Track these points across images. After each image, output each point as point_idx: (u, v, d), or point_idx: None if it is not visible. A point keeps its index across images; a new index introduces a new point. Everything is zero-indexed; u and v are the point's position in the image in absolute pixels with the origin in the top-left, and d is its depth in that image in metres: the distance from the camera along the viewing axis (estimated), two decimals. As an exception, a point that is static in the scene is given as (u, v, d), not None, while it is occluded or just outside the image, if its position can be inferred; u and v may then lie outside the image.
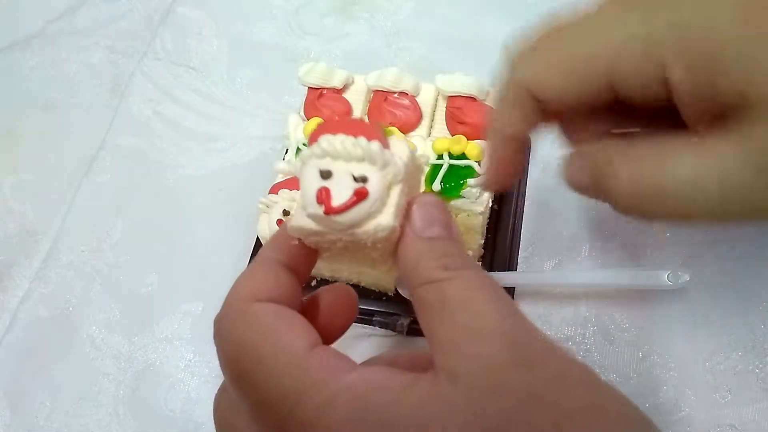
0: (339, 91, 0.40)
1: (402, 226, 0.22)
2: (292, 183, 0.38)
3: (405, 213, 0.22)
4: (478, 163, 0.36)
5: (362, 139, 0.22)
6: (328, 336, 0.24)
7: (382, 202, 0.21)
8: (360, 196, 0.21)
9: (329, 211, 0.21)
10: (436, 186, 0.36)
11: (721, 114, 0.20)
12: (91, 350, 0.40)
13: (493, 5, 0.50)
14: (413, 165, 0.23)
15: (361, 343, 0.37)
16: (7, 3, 0.56)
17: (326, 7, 0.52)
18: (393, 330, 0.37)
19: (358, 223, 0.21)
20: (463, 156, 0.36)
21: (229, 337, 0.22)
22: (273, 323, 0.21)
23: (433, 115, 0.39)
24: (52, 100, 0.50)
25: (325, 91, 0.40)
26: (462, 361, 0.18)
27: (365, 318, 0.36)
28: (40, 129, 0.49)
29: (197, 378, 0.38)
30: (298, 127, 0.39)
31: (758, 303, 0.36)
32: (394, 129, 0.22)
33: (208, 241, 0.43)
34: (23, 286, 0.43)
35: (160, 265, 0.42)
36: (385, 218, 0.21)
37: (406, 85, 0.39)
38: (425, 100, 0.39)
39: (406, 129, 0.39)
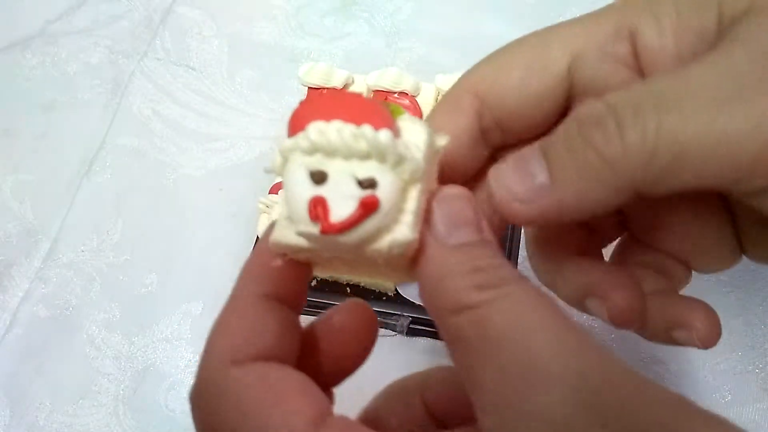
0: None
1: (421, 233, 0.17)
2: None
3: (425, 215, 0.17)
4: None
5: (367, 128, 0.16)
6: (340, 371, 0.19)
7: (398, 210, 0.16)
8: (368, 208, 0.16)
9: (328, 230, 0.15)
10: (436, 186, 0.36)
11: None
12: (91, 350, 0.40)
13: (494, 5, 0.50)
14: (432, 153, 0.17)
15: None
16: (7, 3, 0.56)
17: (326, 7, 0.52)
18: (393, 330, 0.37)
19: (366, 241, 0.16)
20: (463, 156, 0.36)
21: (205, 420, 0.16)
22: (258, 397, 0.15)
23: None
24: (52, 100, 0.50)
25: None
26: (519, 427, 0.14)
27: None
28: (40, 129, 0.49)
29: (197, 378, 0.39)
30: (298, 127, 0.39)
31: (758, 303, 0.35)
32: (400, 108, 0.18)
33: (208, 240, 0.43)
34: (23, 286, 0.43)
35: (160, 265, 0.42)
36: (402, 231, 0.16)
37: (406, 85, 0.39)
38: (425, 100, 0.39)
39: (406, 129, 0.39)
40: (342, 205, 0.16)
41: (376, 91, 0.39)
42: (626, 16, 0.17)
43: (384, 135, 0.16)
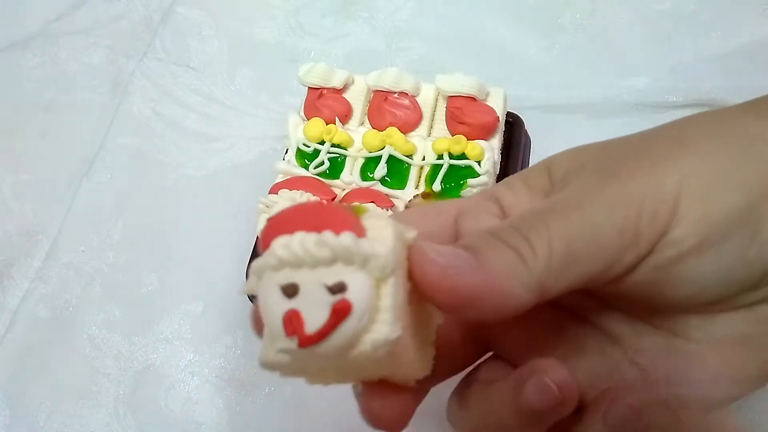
0: (339, 91, 0.40)
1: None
2: (292, 183, 0.38)
3: (408, 299, 0.17)
4: (479, 163, 0.36)
5: (327, 234, 0.16)
6: None
7: (375, 309, 0.16)
8: (340, 312, 0.15)
9: (305, 343, 0.15)
10: (437, 186, 0.36)
11: None
12: (91, 350, 0.40)
13: (493, 5, 0.50)
14: (402, 247, 0.17)
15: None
16: (7, 3, 0.56)
17: (326, 7, 0.52)
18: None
19: (347, 347, 0.16)
20: (463, 156, 0.36)
21: None
22: None
23: (433, 115, 0.39)
24: (53, 100, 0.50)
25: (325, 91, 0.40)
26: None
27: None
28: (41, 129, 0.49)
29: (197, 378, 0.38)
30: (298, 127, 0.39)
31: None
32: (363, 207, 0.19)
33: (208, 241, 0.43)
34: (23, 286, 0.43)
35: (160, 265, 0.42)
36: (382, 330, 0.16)
37: (406, 85, 0.39)
38: (425, 100, 0.39)
39: (406, 129, 0.39)
40: (315, 315, 0.16)
41: (376, 91, 0.39)
42: (491, 190, 0.23)
43: (345, 238, 0.16)
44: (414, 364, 0.19)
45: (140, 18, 0.53)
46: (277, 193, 0.37)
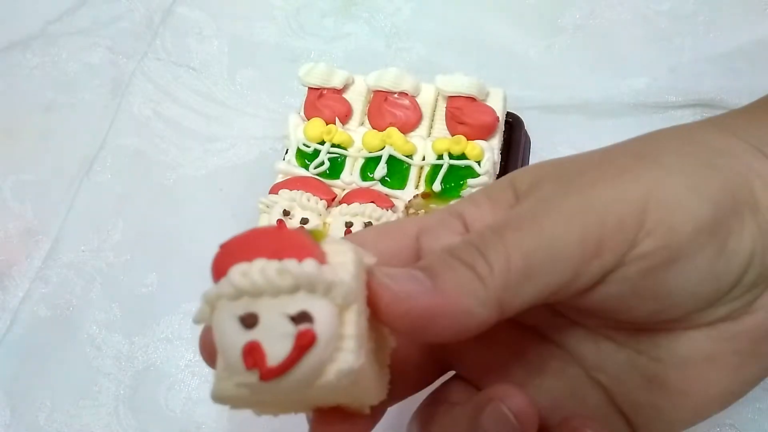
0: (339, 92, 0.40)
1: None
2: (292, 183, 0.38)
3: (370, 325, 0.17)
4: (478, 163, 0.36)
5: (290, 262, 0.15)
6: None
7: (338, 337, 0.15)
8: (305, 343, 0.15)
9: (267, 376, 0.15)
10: (437, 186, 0.36)
11: None
12: (91, 350, 0.40)
13: (493, 6, 0.50)
14: (362, 272, 0.17)
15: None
16: (7, 3, 0.56)
17: (326, 8, 0.52)
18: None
19: (311, 378, 0.15)
20: (463, 156, 0.37)
21: None
22: None
23: (433, 115, 0.39)
24: (53, 101, 0.50)
25: (325, 92, 0.40)
26: None
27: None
28: (41, 129, 0.49)
29: (197, 378, 0.39)
30: (298, 127, 0.39)
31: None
32: (321, 232, 0.19)
33: (208, 240, 0.42)
34: (24, 286, 0.43)
35: (160, 265, 0.42)
36: (346, 359, 0.15)
37: (406, 86, 0.39)
38: (425, 100, 0.39)
39: (406, 129, 0.39)
40: (277, 346, 0.15)
41: (376, 92, 0.40)
42: (454, 206, 0.22)
43: (309, 265, 0.15)
44: (371, 390, 0.18)
45: (140, 18, 0.54)
46: (277, 193, 0.37)
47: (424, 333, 0.17)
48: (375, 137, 0.38)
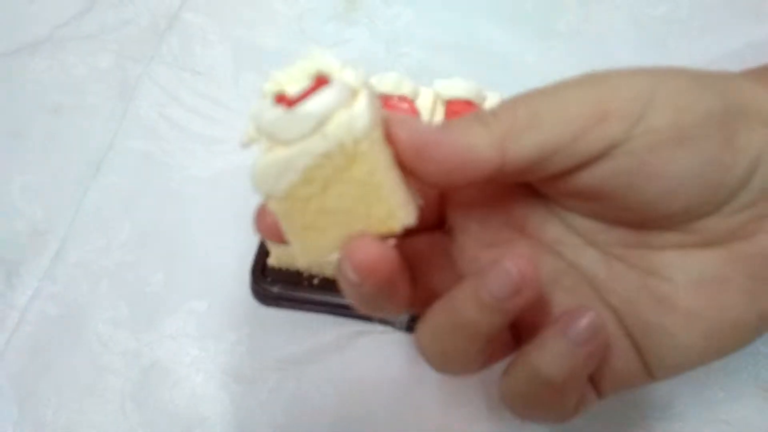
0: (340, 95, 0.41)
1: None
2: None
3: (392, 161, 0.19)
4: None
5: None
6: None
7: (352, 95, 0.18)
8: (320, 80, 0.19)
9: (290, 103, 0.19)
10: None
11: None
12: (98, 347, 0.41)
13: (491, 12, 0.51)
14: (378, 106, 0.20)
15: (359, 341, 0.38)
16: (16, 8, 0.57)
17: (328, 14, 0.53)
18: (392, 326, 0.38)
19: (327, 117, 0.18)
20: (461, 158, 0.37)
21: None
22: None
23: (432, 118, 0.40)
24: (61, 104, 0.51)
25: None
26: None
27: (362, 314, 0.37)
28: (49, 131, 0.50)
29: (202, 374, 0.39)
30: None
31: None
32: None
33: (213, 240, 0.44)
34: (32, 285, 0.44)
35: (166, 264, 0.43)
36: (359, 105, 0.18)
37: (405, 90, 0.40)
38: (424, 104, 0.40)
39: (406, 132, 0.39)
40: (298, 87, 0.19)
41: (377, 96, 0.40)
42: None
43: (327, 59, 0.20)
44: (401, 202, 0.19)
45: (147, 23, 0.54)
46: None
47: (433, 167, 0.19)
48: (375, 139, 0.39)
